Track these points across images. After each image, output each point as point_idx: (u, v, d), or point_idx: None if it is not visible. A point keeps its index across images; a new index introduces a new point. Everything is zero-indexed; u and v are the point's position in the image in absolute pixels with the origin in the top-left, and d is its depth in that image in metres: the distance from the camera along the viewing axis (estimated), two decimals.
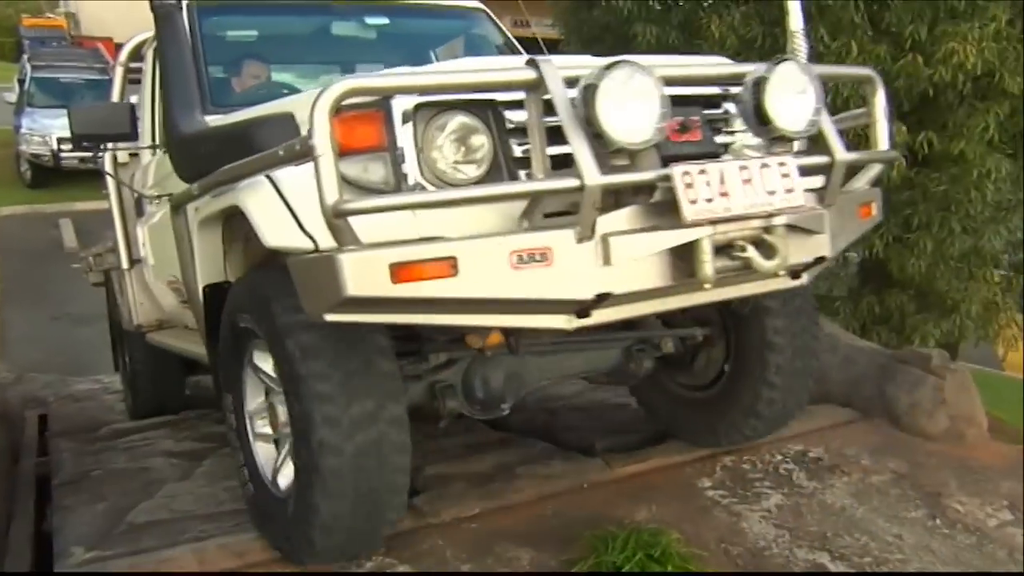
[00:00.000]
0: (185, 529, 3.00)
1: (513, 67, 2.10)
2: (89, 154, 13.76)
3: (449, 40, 4.14)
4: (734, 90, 2.34)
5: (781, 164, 2.19)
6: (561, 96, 1.99)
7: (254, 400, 2.74)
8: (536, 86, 2.01)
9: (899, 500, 3.15)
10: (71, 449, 4.31)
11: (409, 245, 1.99)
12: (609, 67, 1.98)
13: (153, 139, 3.91)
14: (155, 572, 2.65)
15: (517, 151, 2.18)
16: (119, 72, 4.34)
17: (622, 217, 2.12)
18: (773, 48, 5.02)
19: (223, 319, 2.69)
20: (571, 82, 2.02)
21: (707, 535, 2.87)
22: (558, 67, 2.03)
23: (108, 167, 4.26)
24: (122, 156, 4.37)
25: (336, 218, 1.85)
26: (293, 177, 2.09)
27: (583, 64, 2.14)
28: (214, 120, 2.86)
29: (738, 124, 2.42)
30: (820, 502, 3.10)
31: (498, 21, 4.14)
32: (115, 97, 4.34)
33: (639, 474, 3.26)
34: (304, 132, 2.16)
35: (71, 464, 4.02)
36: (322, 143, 1.82)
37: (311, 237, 2.04)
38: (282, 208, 2.10)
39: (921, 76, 4.63)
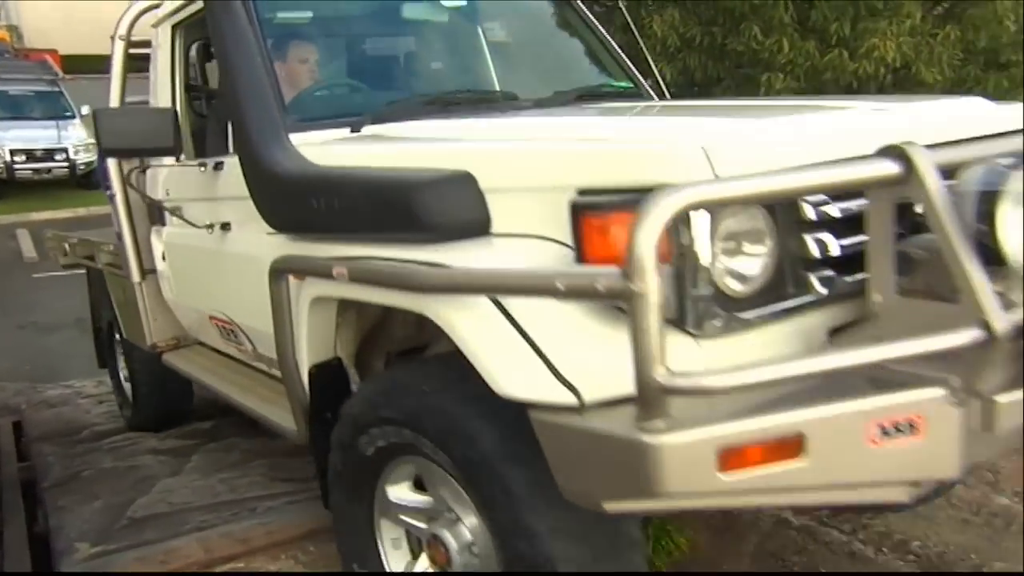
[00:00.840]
0: (186, 520, 3.00)
1: (870, 160, 1.41)
2: (45, 165, 13.38)
3: (528, 26, 3.35)
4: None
5: None
6: (941, 200, 1.35)
7: (392, 530, 2.10)
8: (897, 183, 1.39)
9: None
10: (55, 453, 4.23)
11: (738, 419, 1.35)
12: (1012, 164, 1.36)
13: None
14: (162, 573, 2.64)
15: (813, 250, 1.57)
16: (119, 48, 3.29)
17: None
18: (711, 46, 5.16)
19: (351, 423, 2.00)
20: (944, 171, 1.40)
21: None
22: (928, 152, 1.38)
23: (112, 165, 3.38)
24: None
25: (663, 395, 1.29)
26: (542, 310, 1.52)
27: (952, 146, 1.57)
28: (308, 145, 2.22)
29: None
30: None
31: (585, 11, 3.42)
32: (115, 82, 3.34)
33: None
34: (490, 202, 1.71)
35: (58, 467, 3.95)
36: (650, 287, 1.23)
37: (574, 390, 1.45)
38: (526, 349, 1.51)
39: (847, 69, 4.80)
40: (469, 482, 1.73)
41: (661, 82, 3.53)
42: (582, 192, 1.57)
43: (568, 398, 1.45)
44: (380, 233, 1.84)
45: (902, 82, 5.17)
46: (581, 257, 1.56)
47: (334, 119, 2.42)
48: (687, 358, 1.46)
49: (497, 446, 1.64)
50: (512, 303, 1.55)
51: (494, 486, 1.64)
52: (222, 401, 3.16)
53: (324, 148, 2.23)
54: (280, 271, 2.18)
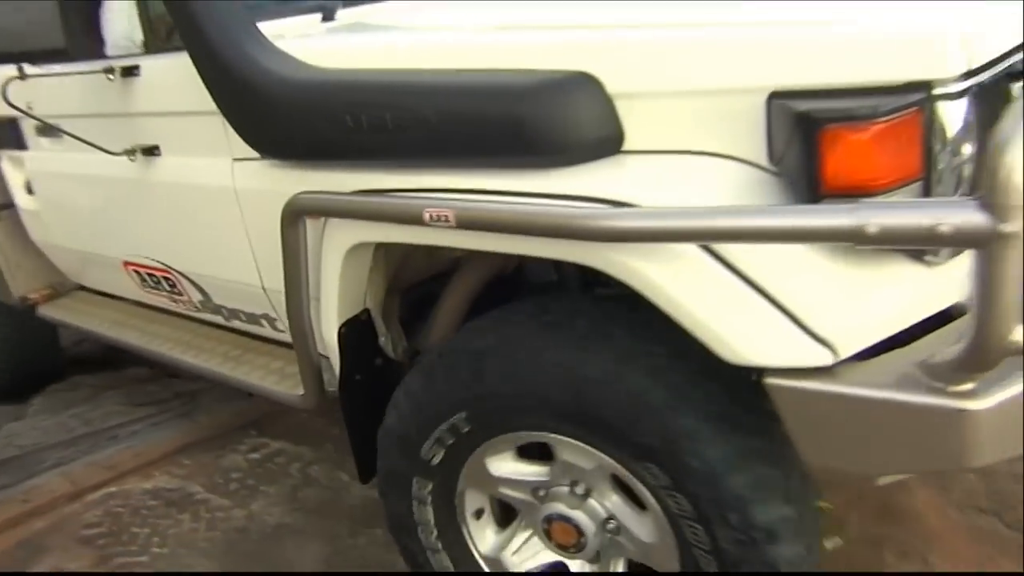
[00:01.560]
0: (42, 459, 2.79)
1: None
2: None
3: None
4: None
5: None
6: None
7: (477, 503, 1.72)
8: None
9: None
10: None
11: None
12: None
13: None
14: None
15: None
16: None
17: None
18: None
19: (436, 388, 1.59)
20: None
21: None
22: None
23: None
24: None
25: (1006, 357, 1.02)
26: (762, 252, 1.17)
27: None
28: (281, 39, 1.71)
29: None
30: None
31: None
32: None
33: None
34: (620, 109, 1.31)
35: None
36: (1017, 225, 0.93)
37: (829, 347, 1.16)
38: (760, 304, 1.18)
39: None
40: (656, 462, 1.39)
41: None
42: (778, 94, 1.19)
43: (823, 358, 1.15)
44: (463, 158, 1.41)
45: None
46: (816, 183, 1.17)
47: (296, 2, 1.90)
48: (916, 291, 1.20)
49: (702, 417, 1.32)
50: (754, 263, 1.18)
51: (694, 459, 1.33)
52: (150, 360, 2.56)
53: (324, 43, 1.73)
54: (297, 212, 1.66)
